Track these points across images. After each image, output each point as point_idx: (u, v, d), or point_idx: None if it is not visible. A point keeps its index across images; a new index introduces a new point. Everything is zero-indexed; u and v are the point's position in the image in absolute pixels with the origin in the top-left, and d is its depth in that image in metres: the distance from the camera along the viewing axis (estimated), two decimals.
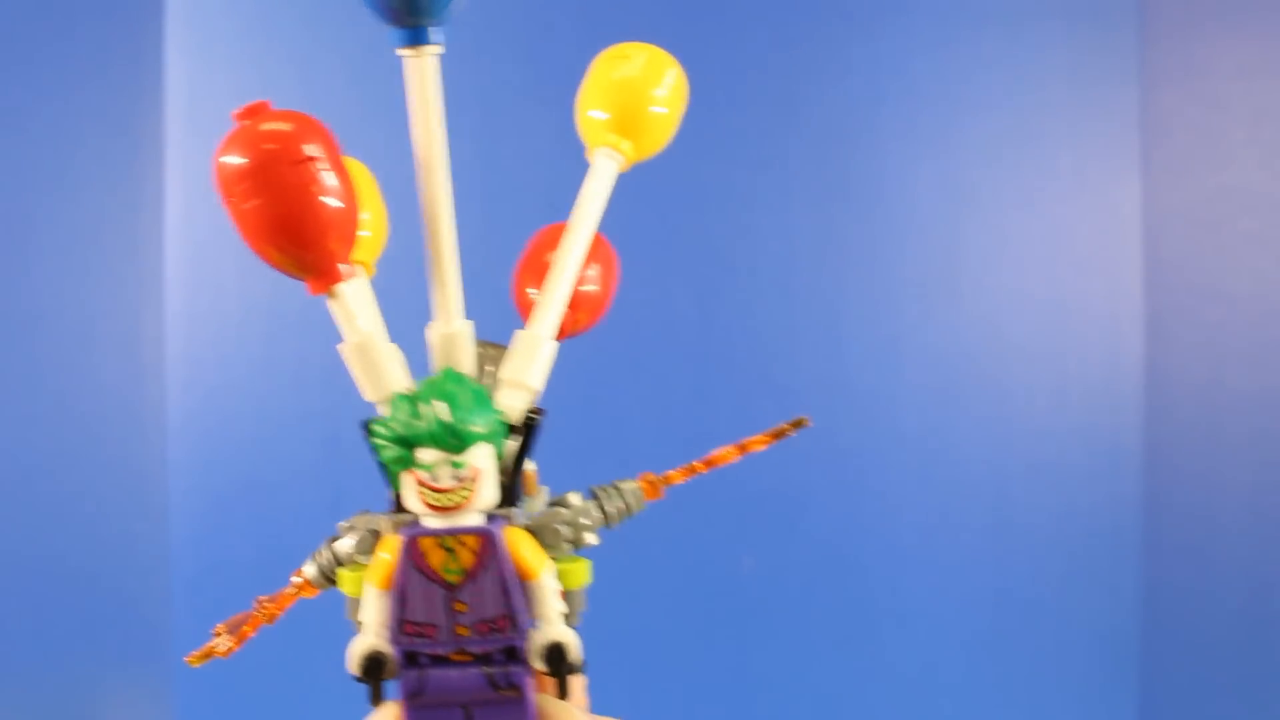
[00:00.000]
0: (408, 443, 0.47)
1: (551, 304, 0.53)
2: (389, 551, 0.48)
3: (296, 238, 0.50)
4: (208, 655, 0.56)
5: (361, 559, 0.52)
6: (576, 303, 0.54)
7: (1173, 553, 1.32)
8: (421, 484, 0.47)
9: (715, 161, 1.27)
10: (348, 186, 0.50)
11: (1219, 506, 1.32)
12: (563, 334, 0.54)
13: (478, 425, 0.47)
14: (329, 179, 0.49)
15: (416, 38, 0.52)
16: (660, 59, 0.59)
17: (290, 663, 1.23)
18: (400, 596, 0.47)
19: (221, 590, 1.25)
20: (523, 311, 0.56)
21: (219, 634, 0.57)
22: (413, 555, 0.47)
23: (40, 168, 1.28)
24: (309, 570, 0.56)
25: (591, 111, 0.57)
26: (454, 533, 0.47)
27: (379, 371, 0.52)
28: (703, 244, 1.28)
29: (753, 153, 1.27)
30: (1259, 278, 1.31)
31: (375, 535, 0.52)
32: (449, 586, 0.47)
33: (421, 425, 0.46)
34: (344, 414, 1.25)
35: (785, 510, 1.27)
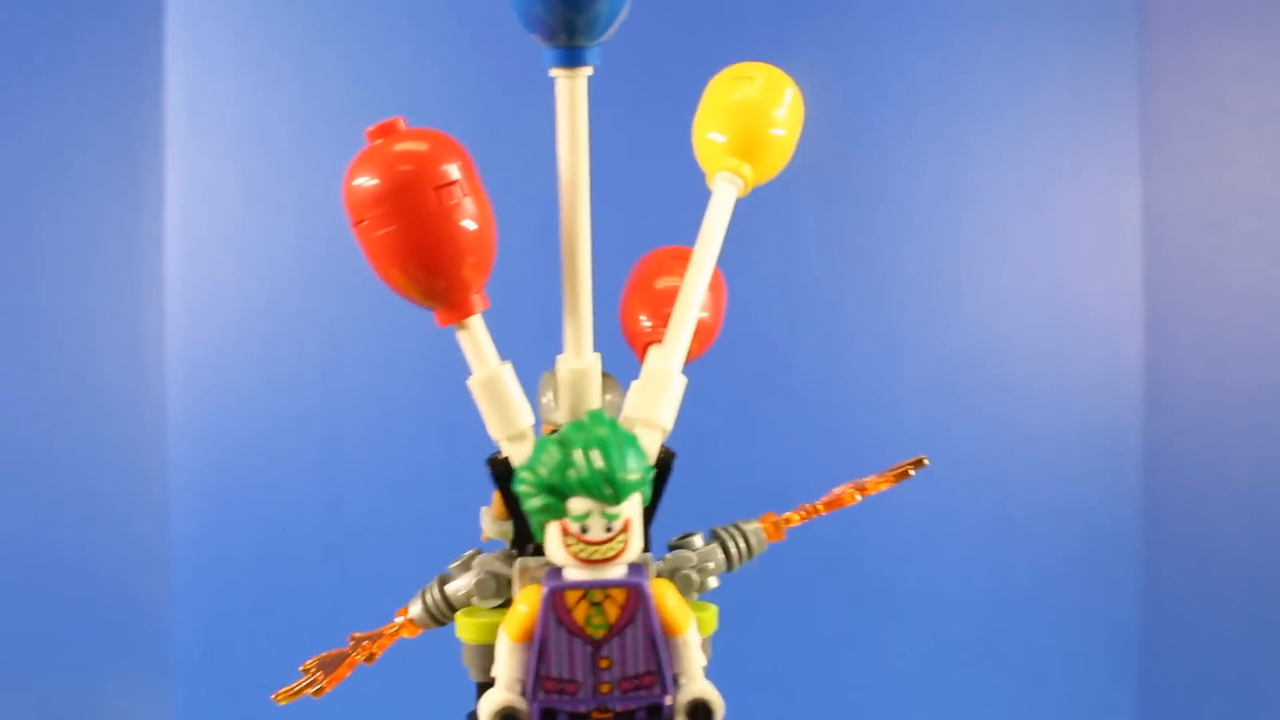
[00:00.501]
0: (559, 492, 0.44)
1: (679, 336, 0.51)
2: (528, 603, 0.46)
3: (433, 266, 0.47)
4: (297, 694, 0.55)
5: (480, 603, 0.51)
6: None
7: (1173, 552, 1.32)
8: (571, 535, 0.45)
9: (682, 164, 1.26)
10: (485, 210, 0.48)
11: (1219, 506, 1.32)
12: None
13: (633, 474, 0.45)
14: (468, 203, 0.47)
15: (572, 58, 0.50)
16: (778, 79, 0.57)
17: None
18: (541, 651, 0.46)
19: (221, 590, 1.25)
20: (633, 341, 0.55)
21: (308, 670, 0.55)
22: (556, 608, 0.45)
23: (40, 168, 1.28)
24: (414, 610, 0.54)
25: (710, 134, 0.56)
26: (602, 585, 0.45)
27: (509, 408, 0.49)
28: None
29: None
30: (1259, 278, 1.31)
31: (497, 579, 0.50)
32: (593, 642, 0.46)
33: (576, 475, 0.44)
34: (344, 414, 1.25)
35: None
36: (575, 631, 0.45)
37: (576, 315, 0.50)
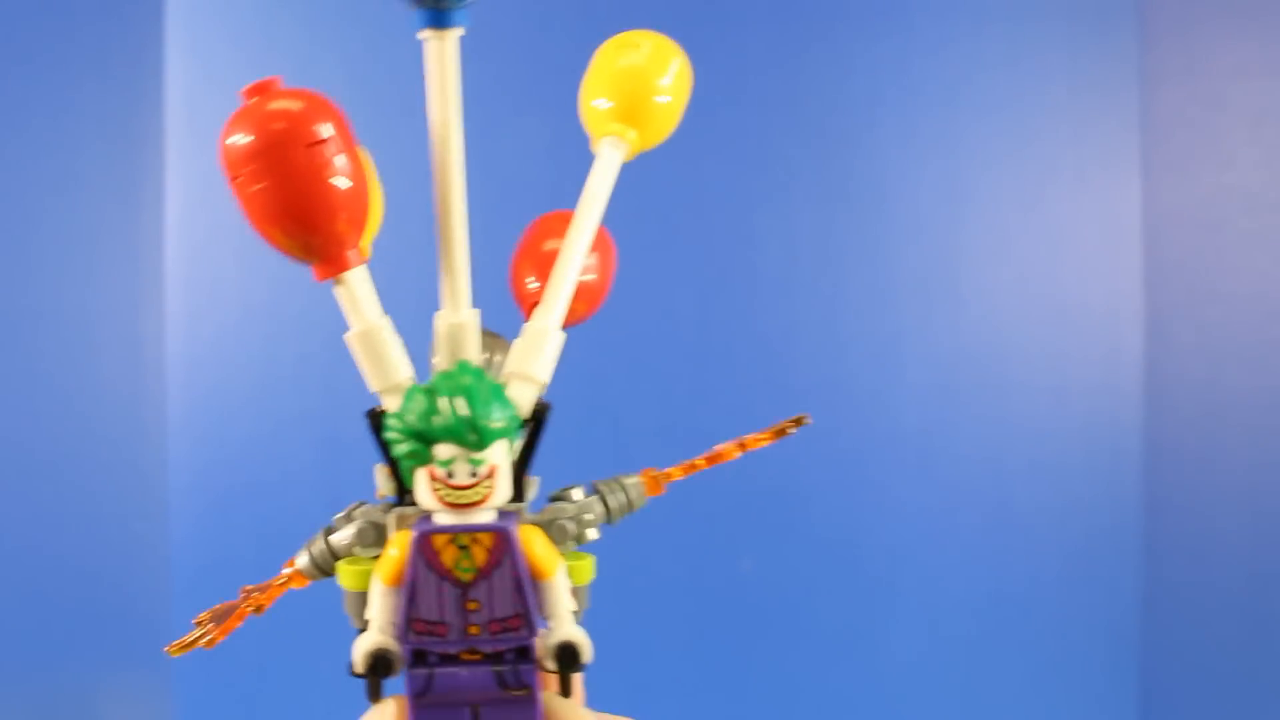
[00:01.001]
0: (425, 438, 0.45)
1: (558, 295, 0.52)
2: (398, 547, 0.47)
3: (306, 222, 0.48)
4: (189, 646, 0.54)
5: (361, 552, 0.51)
6: (576, 292, 0.53)
7: (1173, 552, 1.32)
8: (438, 480, 0.46)
9: (716, 162, 1.27)
10: (358, 168, 0.49)
11: (1219, 506, 1.32)
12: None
13: (497, 421, 0.46)
14: (341, 161, 0.48)
15: (440, 20, 0.50)
16: (665, 47, 0.57)
17: (289, 661, 1.23)
18: (411, 594, 0.46)
19: (221, 590, 1.25)
20: (521, 301, 0.56)
21: (201, 623, 0.55)
22: (425, 552, 0.46)
23: (41, 168, 1.28)
24: (301, 560, 0.55)
25: (596, 100, 0.56)
26: (469, 530, 0.46)
27: (386, 361, 0.50)
28: (703, 244, 1.28)
29: (754, 153, 1.27)
30: (1259, 278, 1.31)
31: (376, 528, 0.51)
32: (461, 585, 0.46)
33: (441, 421, 0.45)
34: (344, 414, 1.25)
35: (785, 510, 1.27)
36: (444, 574, 0.46)
37: (452, 271, 0.51)
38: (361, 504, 0.53)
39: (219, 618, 0.56)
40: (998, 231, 1.31)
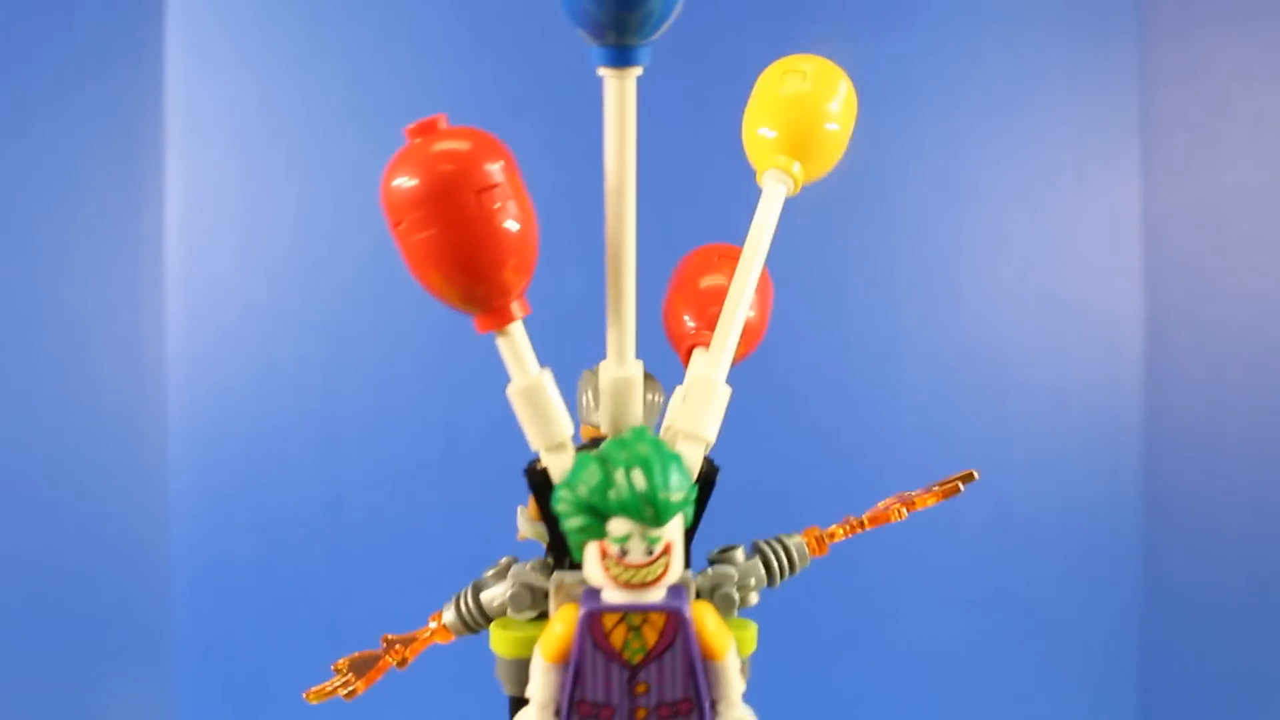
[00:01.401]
0: (600, 513, 0.42)
1: (727, 342, 0.49)
2: (564, 624, 0.45)
3: (473, 271, 0.44)
4: (328, 694, 0.53)
5: (515, 615, 0.49)
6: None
7: (1173, 552, 1.32)
8: (611, 557, 0.43)
9: (715, 161, 1.26)
10: (528, 211, 0.45)
11: (1219, 505, 1.32)
12: None
13: (676, 494, 0.42)
14: (511, 206, 0.44)
15: (622, 58, 0.47)
16: (830, 72, 0.54)
17: (289, 661, 1.23)
18: (576, 674, 0.44)
19: (221, 590, 1.25)
20: (675, 341, 0.53)
21: (340, 670, 0.53)
22: (593, 631, 0.44)
23: (41, 168, 1.28)
24: (448, 616, 0.52)
25: (761, 129, 0.53)
26: (641, 609, 0.44)
27: (549, 418, 0.47)
28: (703, 244, 1.28)
29: None
30: (1259, 278, 1.31)
31: (532, 592, 0.48)
32: (630, 666, 0.44)
33: (617, 496, 0.42)
34: (344, 414, 1.25)
35: (785, 510, 1.26)
36: (612, 655, 0.44)
37: (620, 322, 0.48)
38: (514, 560, 0.50)
39: (359, 667, 0.53)
40: (998, 231, 1.31)
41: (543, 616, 0.48)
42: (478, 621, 0.51)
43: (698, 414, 0.47)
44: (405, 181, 0.44)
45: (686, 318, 0.53)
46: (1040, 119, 1.30)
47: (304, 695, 0.53)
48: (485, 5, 1.23)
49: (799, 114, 0.53)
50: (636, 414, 0.48)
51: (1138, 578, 1.32)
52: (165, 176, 1.24)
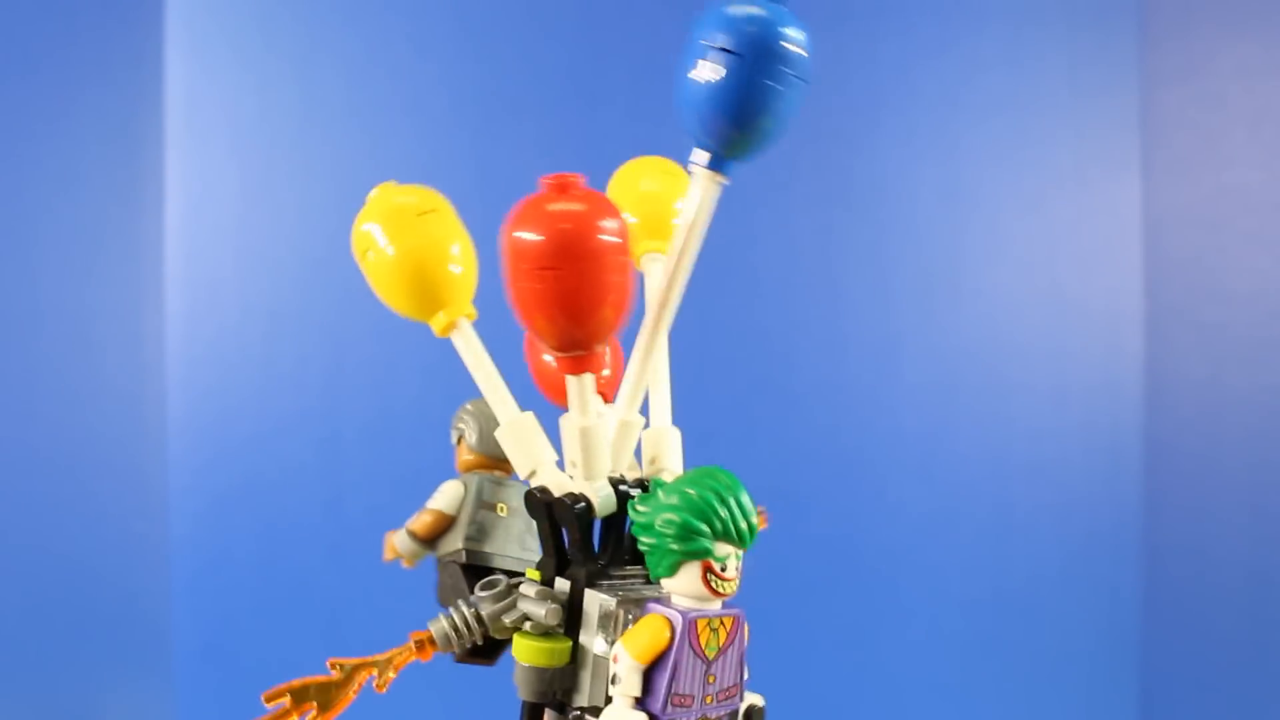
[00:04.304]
0: (710, 536, 0.50)
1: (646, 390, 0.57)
2: (657, 631, 0.51)
3: (595, 321, 0.51)
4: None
5: (534, 629, 0.54)
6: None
7: (1173, 552, 1.32)
8: (714, 573, 0.51)
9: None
10: (630, 268, 0.52)
11: (1219, 505, 1.32)
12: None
13: (755, 520, 0.52)
14: (625, 262, 0.51)
15: (721, 165, 0.53)
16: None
17: (289, 660, 1.23)
18: (674, 670, 0.51)
19: (221, 590, 1.26)
20: (545, 384, 0.59)
21: (287, 701, 0.53)
22: (690, 634, 0.51)
23: (41, 168, 1.28)
24: (440, 633, 0.56)
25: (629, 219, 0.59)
26: (720, 615, 0.52)
27: (601, 455, 0.55)
28: (703, 244, 1.28)
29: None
30: (1259, 278, 1.31)
31: (561, 606, 0.54)
32: (706, 660, 0.52)
33: (731, 521, 0.50)
34: (343, 414, 1.25)
35: (785, 509, 1.26)
36: (699, 653, 0.52)
37: (644, 378, 0.56)
38: (510, 582, 0.56)
39: (317, 695, 0.54)
40: (998, 231, 1.31)
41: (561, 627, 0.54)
42: (475, 639, 0.56)
43: (673, 454, 0.58)
44: (544, 237, 0.49)
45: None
46: (1041, 119, 1.30)
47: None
48: (485, 5, 1.23)
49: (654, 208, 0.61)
50: (676, 463, 0.58)
51: (1138, 578, 1.32)
52: (165, 176, 1.25)
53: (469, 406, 0.67)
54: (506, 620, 0.55)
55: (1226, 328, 1.31)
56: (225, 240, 1.25)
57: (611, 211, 0.51)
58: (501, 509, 0.64)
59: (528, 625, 0.54)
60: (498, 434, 0.56)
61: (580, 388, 0.54)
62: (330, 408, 1.24)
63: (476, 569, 0.62)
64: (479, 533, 0.64)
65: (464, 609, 0.55)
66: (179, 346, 1.26)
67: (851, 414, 1.28)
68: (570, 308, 0.50)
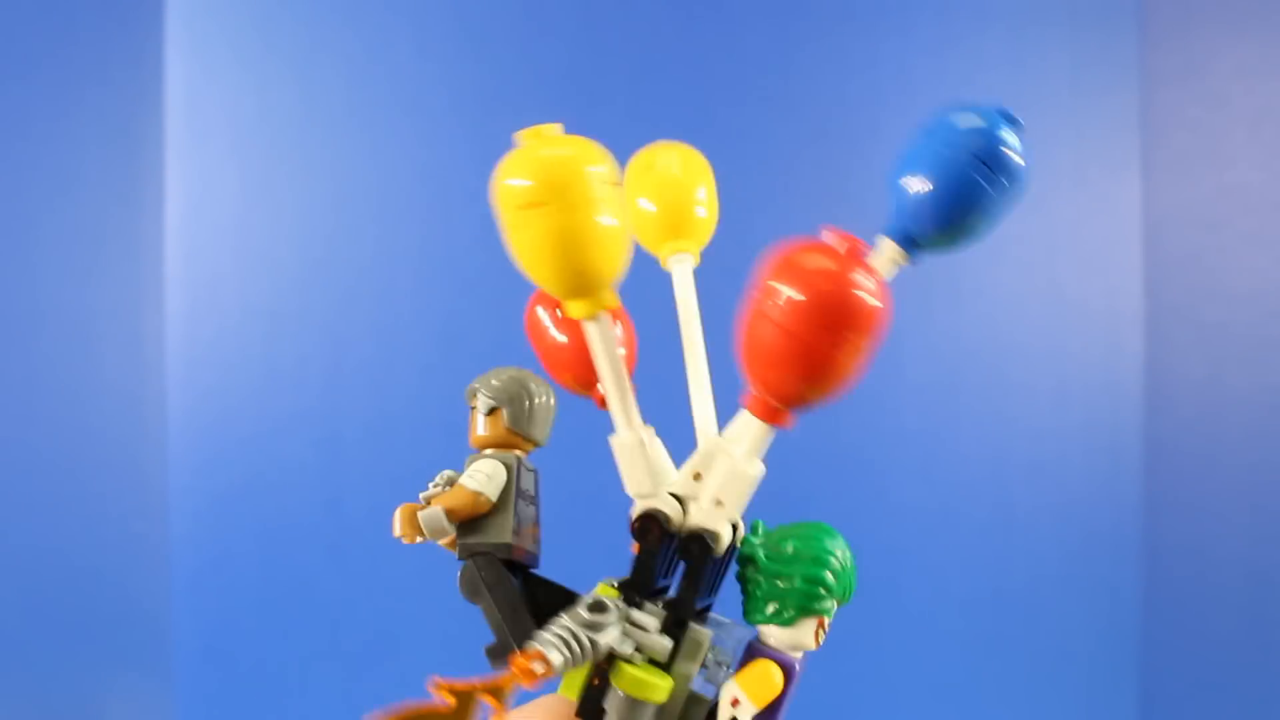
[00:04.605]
0: (834, 597, 0.52)
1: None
2: (775, 677, 0.52)
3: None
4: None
5: (640, 658, 0.52)
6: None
7: (1173, 552, 1.32)
8: (822, 628, 0.53)
9: (715, 161, 1.27)
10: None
11: (1219, 506, 1.32)
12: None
13: None
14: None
15: (917, 256, 0.55)
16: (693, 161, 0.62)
17: (289, 660, 1.23)
18: (779, 711, 0.53)
19: (221, 590, 1.26)
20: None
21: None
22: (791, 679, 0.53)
23: (41, 168, 1.28)
24: (555, 658, 0.50)
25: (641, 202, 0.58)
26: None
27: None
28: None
29: (753, 152, 1.27)
30: (1259, 278, 1.31)
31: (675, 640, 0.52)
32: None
33: (851, 588, 0.53)
34: (344, 414, 1.25)
35: (785, 509, 1.26)
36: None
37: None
38: (609, 601, 0.52)
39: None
40: (998, 231, 1.31)
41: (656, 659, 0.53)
42: (584, 661, 0.51)
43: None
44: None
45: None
46: (1041, 119, 1.30)
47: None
48: (485, 5, 1.23)
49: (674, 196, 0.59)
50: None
51: (1138, 578, 1.32)
52: (165, 176, 1.25)
53: (506, 373, 0.60)
54: (623, 651, 0.51)
55: (1226, 328, 1.31)
56: (225, 240, 1.25)
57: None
58: (532, 501, 0.60)
59: (634, 654, 0.51)
60: (617, 447, 0.52)
61: (751, 428, 0.52)
62: (330, 408, 1.24)
63: (514, 567, 0.57)
64: (520, 527, 0.58)
65: (580, 634, 0.50)
66: (179, 346, 1.26)
67: (852, 413, 1.28)
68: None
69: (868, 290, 0.49)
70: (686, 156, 0.60)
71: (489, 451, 0.60)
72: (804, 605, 0.51)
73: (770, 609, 0.52)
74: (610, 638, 0.50)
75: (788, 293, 0.48)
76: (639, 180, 0.58)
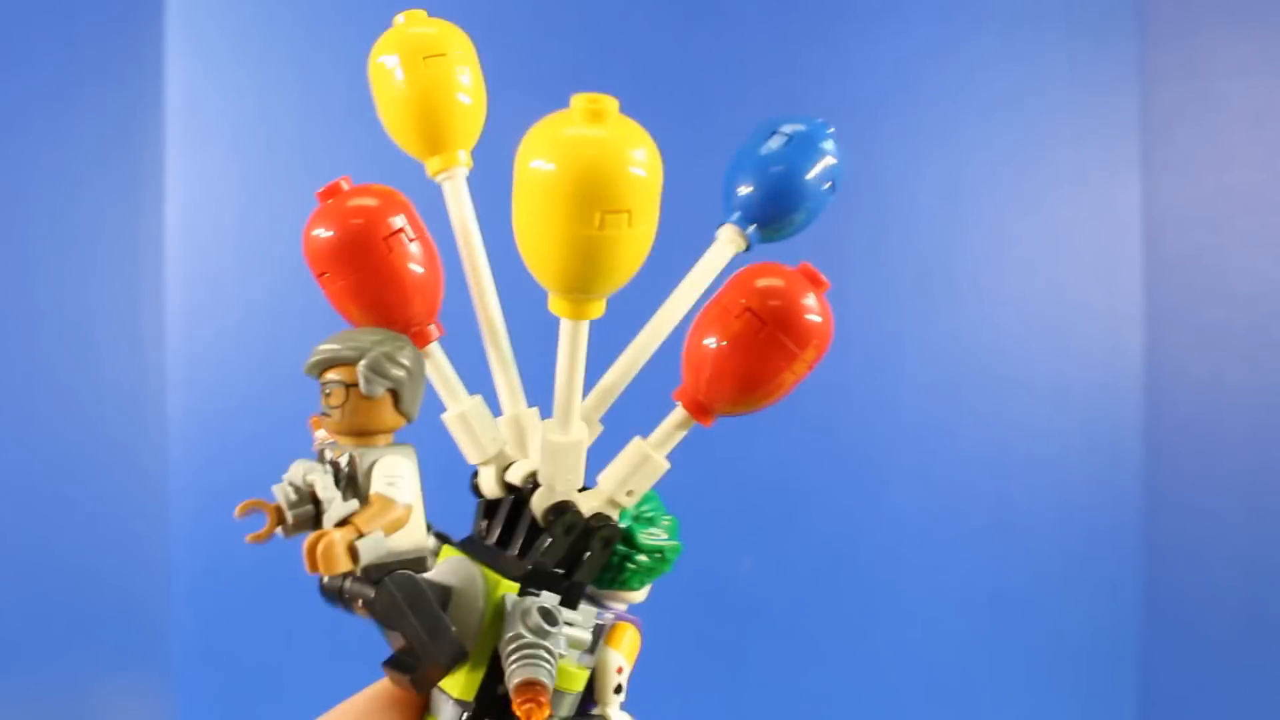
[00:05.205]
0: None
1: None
2: (637, 638, 0.56)
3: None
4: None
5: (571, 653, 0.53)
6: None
7: (1172, 552, 1.32)
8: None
9: (715, 161, 1.26)
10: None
11: (1219, 505, 1.32)
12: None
13: None
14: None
15: (760, 237, 0.59)
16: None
17: (289, 660, 1.23)
18: None
19: (221, 589, 1.26)
20: None
21: None
22: None
23: (41, 168, 1.28)
24: (547, 677, 0.48)
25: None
26: None
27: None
28: (703, 244, 1.28)
29: None
30: (1259, 278, 1.31)
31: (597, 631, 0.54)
32: None
33: (677, 547, 0.56)
34: None
35: (785, 509, 1.27)
36: None
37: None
38: (550, 603, 0.51)
39: None
40: (998, 231, 1.31)
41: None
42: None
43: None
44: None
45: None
46: (1041, 119, 1.30)
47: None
48: (485, 5, 1.23)
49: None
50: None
51: (1138, 578, 1.32)
52: (165, 176, 1.25)
53: (379, 345, 0.52)
54: (559, 649, 0.49)
55: (1226, 328, 1.31)
56: (225, 240, 1.25)
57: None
58: None
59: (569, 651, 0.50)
60: (558, 445, 0.53)
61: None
62: None
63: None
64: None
65: (550, 647, 0.48)
66: (179, 346, 1.26)
67: (851, 413, 1.28)
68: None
69: (813, 309, 0.53)
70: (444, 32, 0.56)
71: (386, 445, 0.54)
72: (659, 574, 0.56)
73: (635, 579, 0.55)
74: (562, 643, 0.49)
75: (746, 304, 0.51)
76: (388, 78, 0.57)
